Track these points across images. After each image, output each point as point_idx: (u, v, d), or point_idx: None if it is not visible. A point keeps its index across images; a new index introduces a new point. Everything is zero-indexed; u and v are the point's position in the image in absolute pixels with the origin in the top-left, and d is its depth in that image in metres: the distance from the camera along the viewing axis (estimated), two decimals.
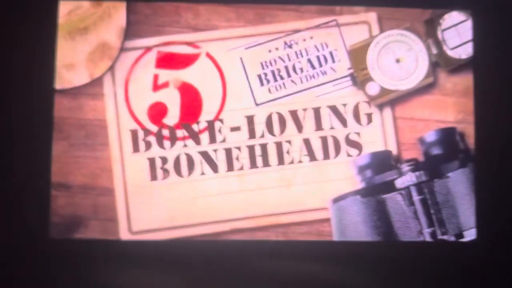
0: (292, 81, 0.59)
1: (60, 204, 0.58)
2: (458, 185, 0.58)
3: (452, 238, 0.57)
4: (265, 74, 0.59)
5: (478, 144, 0.59)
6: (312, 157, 0.59)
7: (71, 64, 0.59)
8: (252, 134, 0.59)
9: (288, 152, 0.59)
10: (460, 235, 0.57)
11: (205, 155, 0.58)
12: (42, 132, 0.57)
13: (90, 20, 0.58)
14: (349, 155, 0.59)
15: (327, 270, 0.56)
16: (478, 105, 0.59)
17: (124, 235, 0.57)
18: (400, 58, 0.59)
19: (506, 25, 0.60)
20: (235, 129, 0.59)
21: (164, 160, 0.58)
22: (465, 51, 0.59)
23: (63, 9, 0.58)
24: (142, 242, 0.57)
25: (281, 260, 0.56)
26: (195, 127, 0.59)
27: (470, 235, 0.57)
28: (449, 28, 0.59)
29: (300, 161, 0.59)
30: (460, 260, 0.57)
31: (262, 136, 0.59)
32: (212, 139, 0.59)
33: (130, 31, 0.59)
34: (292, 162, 0.59)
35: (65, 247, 0.57)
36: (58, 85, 0.58)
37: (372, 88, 0.59)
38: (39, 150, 0.57)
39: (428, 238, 0.57)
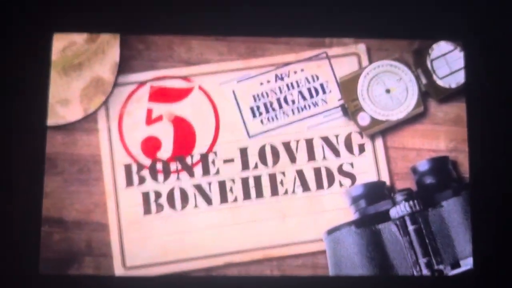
0: (284, 112, 0.60)
1: (55, 239, 0.58)
2: (452, 213, 0.58)
3: (448, 267, 0.57)
4: (258, 107, 0.60)
5: (472, 172, 0.59)
6: (305, 188, 0.59)
7: (65, 100, 0.59)
8: (245, 166, 0.59)
9: (281, 183, 0.59)
10: (456, 264, 0.57)
11: (198, 187, 0.58)
12: (34, 169, 0.57)
13: (84, 56, 0.59)
14: (342, 186, 0.59)
15: None
16: (471, 133, 0.60)
17: (118, 270, 0.57)
18: (390, 88, 0.60)
19: (497, 54, 0.61)
20: (228, 161, 0.59)
21: (158, 194, 0.58)
22: (455, 80, 0.60)
23: (58, 46, 0.59)
24: (135, 278, 0.57)
25: None
26: (188, 160, 0.59)
27: (466, 264, 0.57)
28: (438, 57, 0.60)
29: (293, 192, 0.59)
30: None
31: (256, 167, 0.59)
32: (206, 172, 0.59)
33: (124, 66, 0.60)
34: (286, 193, 0.59)
35: (59, 284, 0.57)
36: (52, 121, 0.59)
37: (363, 119, 0.59)
38: (31, 186, 0.57)
39: (424, 268, 0.56)
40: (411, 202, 0.57)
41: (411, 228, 0.57)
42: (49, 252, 0.57)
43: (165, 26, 0.60)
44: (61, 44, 0.59)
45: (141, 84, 0.60)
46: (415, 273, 0.57)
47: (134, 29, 0.60)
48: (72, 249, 0.57)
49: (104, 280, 0.57)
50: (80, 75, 0.59)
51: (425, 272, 0.56)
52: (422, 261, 0.57)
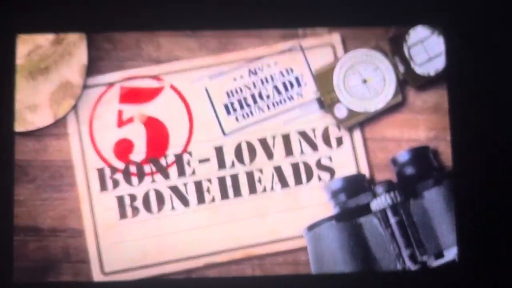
0: (259, 108, 0.58)
1: (30, 248, 0.56)
2: (434, 203, 0.57)
3: (432, 258, 0.56)
4: (232, 103, 0.58)
5: (455, 159, 0.58)
6: (284, 184, 0.57)
7: (34, 105, 0.57)
8: (221, 165, 0.58)
9: (259, 181, 0.58)
10: (439, 254, 0.56)
11: (174, 189, 0.57)
12: (3, 176, 0.56)
13: (51, 59, 0.57)
14: (321, 180, 0.58)
15: None
16: (453, 121, 0.58)
17: (97, 276, 0.56)
18: (367, 78, 0.58)
19: (478, 39, 0.59)
20: (204, 160, 0.58)
21: (133, 197, 0.57)
22: (434, 67, 0.59)
23: (23, 50, 0.57)
24: (115, 283, 0.56)
25: None
26: (163, 161, 0.57)
27: (449, 253, 0.56)
28: (415, 44, 0.59)
29: (272, 190, 0.58)
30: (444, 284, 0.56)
31: (232, 166, 0.58)
32: (181, 173, 0.57)
33: (92, 68, 0.58)
34: (264, 191, 0.57)
35: None
36: (21, 127, 0.57)
37: (340, 111, 0.58)
38: (1, 194, 0.56)
39: (407, 260, 0.55)
40: (391, 194, 0.56)
41: (392, 220, 0.56)
42: (26, 261, 0.56)
43: (131, 22, 0.58)
44: (26, 48, 0.57)
45: (111, 85, 0.58)
46: (398, 265, 0.56)
47: (100, 27, 0.58)
48: (49, 256, 0.56)
49: (84, 287, 0.56)
50: (47, 79, 0.58)
51: (409, 264, 0.56)
52: (405, 253, 0.56)
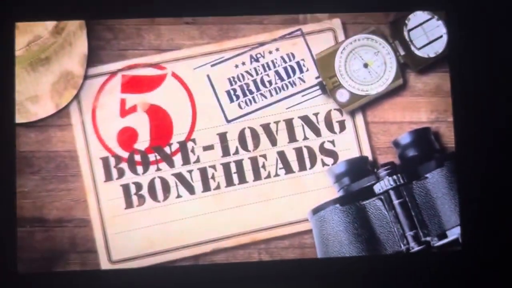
0: (262, 94, 0.59)
1: (37, 239, 0.57)
2: (437, 185, 0.57)
3: (435, 239, 0.57)
4: (234, 90, 0.58)
5: (458, 141, 0.58)
6: (288, 169, 0.58)
7: (36, 96, 0.57)
8: (226, 152, 0.58)
9: (263, 167, 0.58)
10: (443, 235, 0.57)
11: (179, 177, 0.57)
12: (5, 168, 0.56)
13: (51, 50, 0.57)
14: (325, 164, 0.58)
15: None
16: (455, 103, 0.59)
17: (105, 265, 0.56)
18: (368, 62, 0.59)
19: (479, 22, 0.59)
20: (208, 148, 0.58)
21: (138, 186, 0.57)
22: (433, 50, 0.59)
23: (22, 41, 0.56)
24: (123, 270, 0.56)
25: (265, 281, 0.56)
26: (167, 149, 0.58)
27: (453, 234, 0.57)
28: (415, 27, 0.59)
29: (276, 175, 0.58)
30: (447, 266, 0.57)
31: (236, 152, 0.58)
32: (186, 160, 0.58)
33: (93, 58, 0.58)
34: (268, 177, 0.58)
35: (44, 282, 0.56)
36: (24, 118, 0.57)
37: (342, 95, 0.58)
38: (3, 186, 0.56)
39: (411, 241, 0.56)
40: (394, 176, 0.57)
41: (396, 202, 0.57)
42: (33, 252, 0.56)
43: (131, 9, 0.57)
44: (26, 38, 0.57)
45: (112, 74, 0.58)
46: (402, 246, 0.57)
47: (100, 14, 0.57)
48: (56, 247, 0.57)
49: (92, 275, 0.56)
50: (48, 69, 0.57)
51: (412, 244, 0.56)
52: (409, 234, 0.57)
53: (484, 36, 0.58)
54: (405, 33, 0.59)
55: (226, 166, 0.58)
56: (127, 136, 0.58)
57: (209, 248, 0.57)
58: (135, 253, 0.56)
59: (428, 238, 0.57)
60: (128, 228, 0.57)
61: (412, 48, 0.59)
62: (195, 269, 0.56)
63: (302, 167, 0.58)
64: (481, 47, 0.58)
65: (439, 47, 0.59)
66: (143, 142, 0.58)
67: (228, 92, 0.58)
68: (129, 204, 0.57)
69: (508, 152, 0.58)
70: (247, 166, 0.58)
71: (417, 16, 0.59)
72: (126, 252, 0.56)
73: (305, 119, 0.58)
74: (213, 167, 0.58)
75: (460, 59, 0.58)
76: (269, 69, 0.59)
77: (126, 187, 0.57)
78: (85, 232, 0.57)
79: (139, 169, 0.57)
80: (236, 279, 0.55)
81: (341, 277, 0.55)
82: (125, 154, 0.57)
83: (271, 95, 0.59)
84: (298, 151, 0.58)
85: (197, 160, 0.58)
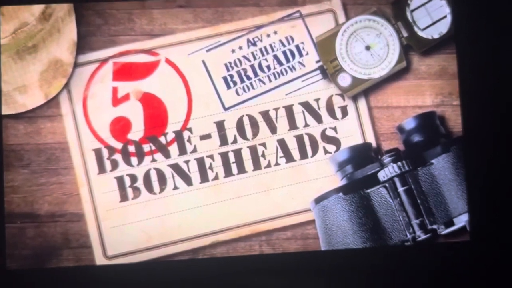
0: (260, 80, 0.56)
1: (29, 235, 0.54)
2: (443, 171, 0.55)
3: (442, 227, 0.55)
4: (231, 76, 0.56)
5: (465, 125, 0.56)
6: (289, 158, 0.56)
7: (24, 86, 0.55)
8: (223, 141, 0.56)
9: (263, 156, 0.56)
10: (449, 222, 0.55)
11: (176, 168, 0.55)
12: None
13: (39, 37, 0.54)
14: (327, 152, 0.56)
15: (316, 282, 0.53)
16: (462, 85, 0.57)
17: (100, 261, 0.54)
18: (370, 44, 0.56)
19: (486, 3, 0.57)
20: (205, 137, 0.56)
21: (133, 177, 0.55)
22: (437, 31, 0.57)
23: (8, 28, 0.54)
24: (119, 266, 0.54)
25: (265, 274, 0.54)
26: (162, 139, 0.55)
27: (460, 221, 0.55)
28: (418, 8, 0.57)
29: (277, 164, 0.56)
30: (455, 256, 0.55)
31: (235, 141, 0.56)
32: (182, 150, 0.55)
33: (83, 45, 0.55)
34: (268, 166, 0.56)
35: (36, 278, 0.54)
36: (11, 109, 0.55)
37: (344, 80, 0.56)
38: None
39: (417, 229, 0.54)
40: (399, 163, 0.55)
41: (401, 189, 0.55)
42: (25, 249, 0.54)
43: None
44: (12, 26, 0.54)
45: (103, 61, 0.55)
46: (408, 235, 0.55)
47: None
48: (49, 243, 0.54)
49: (87, 270, 0.54)
50: (36, 58, 0.55)
51: (419, 233, 0.55)
52: (415, 222, 0.55)
53: (492, 14, 0.56)
54: (408, 14, 0.56)
55: (224, 156, 0.55)
56: (120, 126, 0.55)
57: (208, 241, 0.55)
58: (132, 247, 0.54)
59: (434, 226, 0.55)
60: (124, 222, 0.54)
61: (416, 29, 0.56)
62: (194, 263, 0.54)
63: (304, 155, 0.56)
64: (488, 26, 0.56)
65: (443, 27, 0.56)
66: (137, 132, 0.55)
67: (225, 78, 0.56)
68: (124, 197, 0.55)
69: None
70: (246, 155, 0.56)
71: None
72: (122, 247, 0.54)
73: (306, 105, 0.56)
74: (211, 157, 0.55)
75: (468, 39, 0.56)
76: (267, 53, 0.56)
77: (120, 179, 0.55)
78: (78, 227, 0.55)
79: (134, 160, 0.55)
80: (237, 273, 0.53)
81: (345, 269, 0.54)
82: (118, 145, 0.55)
83: (270, 80, 0.56)
84: (299, 139, 0.56)
85: (194, 150, 0.55)
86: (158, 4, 0.56)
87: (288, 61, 0.56)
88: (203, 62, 0.56)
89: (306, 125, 0.56)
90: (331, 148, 0.56)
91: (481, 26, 0.56)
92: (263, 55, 0.56)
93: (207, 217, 0.55)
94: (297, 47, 0.56)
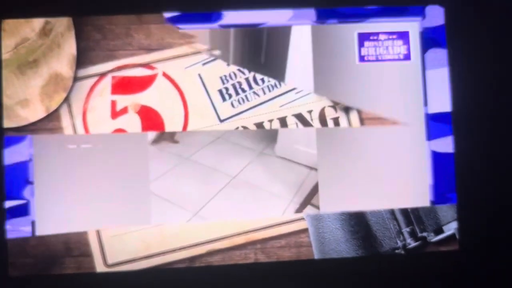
0: (255, 92, 0.58)
1: (32, 244, 0.56)
2: None
3: (432, 234, 0.57)
4: (226, 89, 0.58)
5: (455, 137, 0.58)
6: None
7: (25, 100, 0.56)
8: None
9: None
10: (439, 230, 0.57)
11: None
12: None
13: (39, 52, 0.56)
14: None
15: None
16: (454, 95, 0.58)
17: (100, 269, 0.56)
18: None
19: (478, 18, 0.58)
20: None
21: None
22: None
23: (9, 43, 0.56)
24: (119, 273, 0.56)
25: (259, 282, 0.55)
26: None
27: (449, 229, 0.57)
28: None
29: None
30: (445, 264, 0.56)
31: None
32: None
33: (82, 59, 0.57)
34: None
35: (38, 285, 0.56)
36: (14, 123, 0.56)
37: None
38: None
39: (407, 237, 0.56)
40: None
41: None
42: (27, 257, 0.56)
43: (120, 5, 0.56)
44: (13, 41, 0.56)
45: (102, 76, 0.57)
46: (399, 243, 0.56)
47: (87, 10, 0.56)
48: (50, 252, 0.56)
49: (88, 278, 0.56)
50: (37, 72, 0.56)
51: (409, 241, 0.56)
52: (406, 230, 0.57)
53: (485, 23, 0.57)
54: None
55: None
56: None
57: (205, 249, 0.57)
58: (131, 255, 0.56)
59: (424, 234, 0.57)
60: (124, 231, 0.57)
61: None
62: (191, 271, 0.56)
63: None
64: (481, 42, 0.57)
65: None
66: None
67: (220, 91, 0.58)
68: None
69: (508, 149, 0.57)
70: None
71: None
72: (122, 255, 0.56)
73: (299, 117, 0.58)
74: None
75: (459, 53, 0.57)
76: None
77: None
78: (79, 236, 0.56)
79: None
80: (233, 281, 0.55)
81: (338, 276, 0.55)
82: None
83: (264, 93, 0.58)
84: None
85: None
86: (155, 19, 0.57)
87: None
88: (199, 75, 0.57)
89: None
90: None
91: (474, 41, 0.58)
92: None
93: (204, 226, 0.57)
94: None
